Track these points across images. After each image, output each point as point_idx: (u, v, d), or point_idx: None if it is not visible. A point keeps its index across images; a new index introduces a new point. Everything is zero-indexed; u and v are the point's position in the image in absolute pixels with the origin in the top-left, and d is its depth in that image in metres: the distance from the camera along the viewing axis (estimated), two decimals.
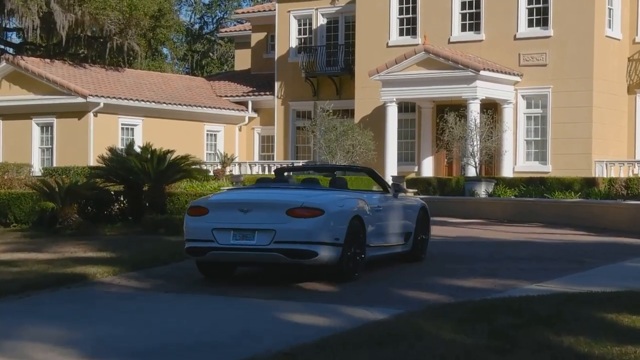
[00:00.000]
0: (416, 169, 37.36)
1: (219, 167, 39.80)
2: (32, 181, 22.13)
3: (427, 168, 36.81)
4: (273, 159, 43.59)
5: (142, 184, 19.41)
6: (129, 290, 11.89)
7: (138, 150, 20.10)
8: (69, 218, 19.07)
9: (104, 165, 19.88)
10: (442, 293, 11.24)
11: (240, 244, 11.98)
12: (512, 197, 29.11)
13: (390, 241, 13.70)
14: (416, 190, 29.62)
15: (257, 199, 12.49)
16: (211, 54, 70.45)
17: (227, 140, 44.28)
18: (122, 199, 20.67)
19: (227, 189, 15.58)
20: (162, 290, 11.86)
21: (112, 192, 20.80)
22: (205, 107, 43.10)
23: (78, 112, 38.67)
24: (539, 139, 35.30)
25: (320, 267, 12.09)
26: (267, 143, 44.90)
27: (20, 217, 21.36)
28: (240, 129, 44.90)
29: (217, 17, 71.88)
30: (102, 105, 38.45)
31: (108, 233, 18.85)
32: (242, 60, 51.43)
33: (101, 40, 45.01)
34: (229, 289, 11.89)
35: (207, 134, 43.77)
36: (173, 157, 19.36)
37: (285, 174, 15.10)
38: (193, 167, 19.64)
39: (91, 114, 38.48)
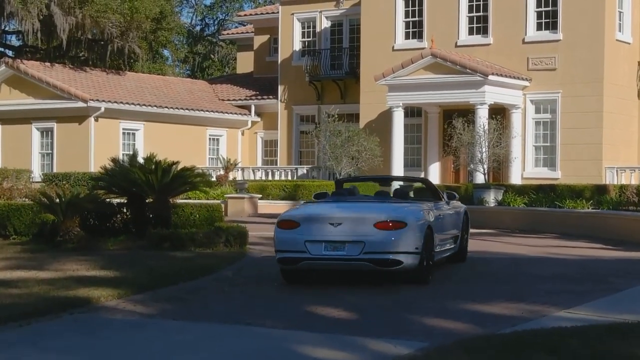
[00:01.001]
0: (422, 175, 36.70)
1: (222, 172, 39.21)
2: (32, 193, 21.49)
3: (434, 174, 36.20)
4: (276, 164, 42.99)
5: (146, 196, 18.77)
6: (135, 317, 11.27)
7: (141, 160, 19.44)
8: (71, 232, 18.43)
9: (106, 176, 19.23)
10: (466, 321, 10.61)
11: (331, 254, 13.22)
12: (523, 205, 28.48)
13: (447, 245, 15.08)
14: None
15: (346, 214, 13.57)
16: (212, 56, 69.80)
17: (229, 144, 43.69)
18: (125, 210, 20.02)
19: (303, 203, 16.17)
20: (170, 317, 11.24)
21: (115, 204, 20.15)
22: (207, 111, 42.51)
23: (79, 117, 38.09)
24: (548, 144, 34.69)
25: (403, 273, 13.45)
26: (270, 148, 44.29)
27: (20, 229, 20.71)
28: (243, 133, 44.31)
29: (219, 19, 71.26)
30: (103, 109, 37.86)
31: (111, 247, 18.22)
32: (244, 62, 50.83)
33: (102, 43, 44.40)
34: (240, 314, 11.28)
35: (210, 139, 43.18)
36: (178, 168, 18.72)
37: (349, 185, 16.56)
38: (199, 179, 18.96)
39: (92, 119, 37.88)
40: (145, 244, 18.09)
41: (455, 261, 15.77)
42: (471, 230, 24.89)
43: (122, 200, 20.23)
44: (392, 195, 15.40)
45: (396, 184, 20.87)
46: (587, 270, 15.14)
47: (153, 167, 18.47)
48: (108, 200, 20.15)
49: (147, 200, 19.38)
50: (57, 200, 18.95)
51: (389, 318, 11.05)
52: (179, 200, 20.35)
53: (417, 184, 19.46)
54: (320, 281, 14.15)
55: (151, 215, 18.98)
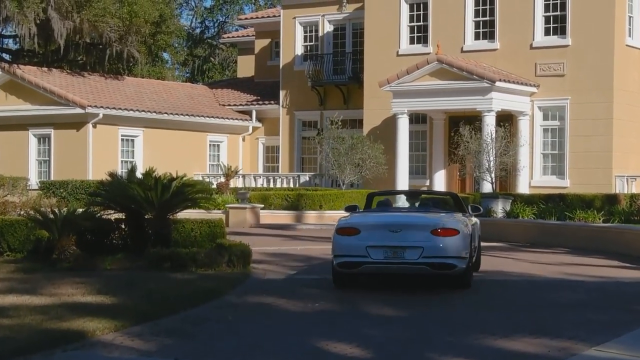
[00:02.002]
0: (427, 183, 36.00)
1: (223, 179, 38.48)
2: (28, 204, 20.72)
3: (439, 182, 35.46)
4: (278, 171, 42.23)
5: (145, 212, 18.01)
6: (133, 356, 10.48)
7: (140, 175, 18.66)
8: (66, 250, 17.67)
9: (104, 192, 18.45)
10: None
11: (392, 259, 14.36)
12: (533, 216, 27.69)
13: (474, 254, 15.88)
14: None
15: (404, 221, 14.93)
16: (212, 59, 69.00)
17: (230, 150, 42.92)
18: (123, 226, 19.25)
19: (350, 215, 16.02)
20: (171, 356, 10.45)
21: (113, 219, 19.38)
22: (207, 116, 41.76)
23: (76, 123, 37.34)
24: (557, 152, 33.95)
25: (454, 277, 14.71)
26: (271, 154, 43.53)
27: (14, 246, 19.88)
28: (243, 139, 43.57)
29: (219, 22, 70.43)
30: (101, 116, 37.11)
31: (108, 267, 17.44)
32: (245, 66, 50.09)
33: (100, 47, 43.63)
34: (248, 354, 10.51)
35: (210, 145, 42.43)
36: (178, 177, 17.94)
37: (381, 198, 17.56)
38: (199, 195, 18.17)
39: (90, 125, 37.13)
40: (145, 263, 17.32)
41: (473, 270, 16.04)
42: (481, 243, 24.25)
43: (120, 216, 19.46)
44: (430, 205, 16.67)
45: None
46: (609, 296, 14.38)
47: (152, 182, 17.67)
48: (106, 215, 19.38)
49: (146, 216, 18.61)
50: (52, 216, 18.18)
51: (406, 355, 10.28)
52: (180, 216, 19.55)
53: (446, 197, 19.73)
54: (332, 305, 13.42)
55: (150, 232, 18.19)
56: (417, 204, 17.58)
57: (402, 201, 23.04)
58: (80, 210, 19.78)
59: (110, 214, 19.30)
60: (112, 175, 18.96)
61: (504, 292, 14.73)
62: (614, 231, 22.04)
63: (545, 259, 20.33)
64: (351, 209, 16.83)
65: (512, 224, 25.68)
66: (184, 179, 36.21)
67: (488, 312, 12.94)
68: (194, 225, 19.43)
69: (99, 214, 18.95)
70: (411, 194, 21.76)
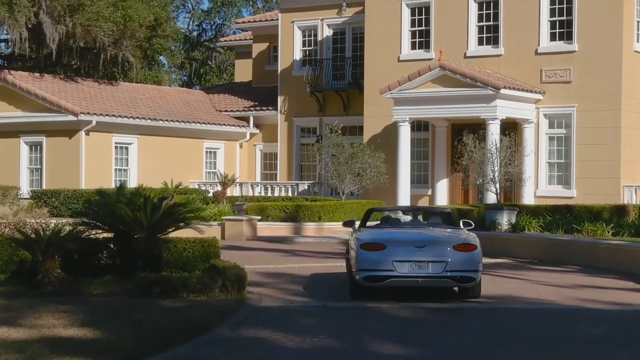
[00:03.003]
0: (430, 192, 35.02)
1: (219, 188, 37.49)
2: (12, 226, 19.74)
3: (442, 192, 34.48)
4: (276, 178, 41.25)
5: (134, 233, 17.00)
6: None
7: (135, 185, 17.66)
8: (50, 273, 16.65)
9: (91, 211, 17.44)
10: None
11: (417, 272, 15.27)
12: (539, 229, 26.81)
13: None
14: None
15: (428, 238, 15.88)
16: (210, 62, 67.97)
17: (227, 157, 41.94)
18: (112, 246, 18.25)
19: (364, 230, 17.00)
20: None
21: (101, 239, 18.37)
22: (204, 123, 40.77)
23: (69, 131, 36.35)
24: (563, 161, 32.97)
25: (469, 289, 15.76)
26: (269, 160, 42.54)
27: None
28: (241, 146, 42.59)
29: (217, 24, 69.40)
30: (94, 123, 36.11)
31: (95, 292, 16.42)
32: (243, 70, 49.13)
33: (95, 51, 42.65)
34: None
35: (207, 152, 41.45)
36: (170, 204, 16.93)
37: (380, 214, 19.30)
38: (191, 215, 17.14)
39: (82, 133, 36.13)
40: (133, 288, 16.30)
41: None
42: (485, 260, 23.24)
43: (109, 235, 18.45)
44: (436, 221, 17.49)
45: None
46: (631, 327, 13.40)
47: (141, 201, 16.67)
48: (94, 234, 18.37)
49: (136, 236, 17.60)
50: (35, 235, 17.18)
51: None
52: (171, 235, 18.54)
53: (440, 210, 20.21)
54: (333, 340, 12.42)
55: (140, 253, 17.18)
56: (422, 220, 18.13)
57: (402, 217, 22.62)
58: (70, 224, 18.84)
59: (98, 233, 18.30)
60: (101, 192, 17.96)
61: (520, 325, 13.69)
62: (627, 249, 21.04)
63: (556, 279, 19.34)
64: (349, 223, 18.12)
65: (518, 239, 24.69)
66: (179, 187, 35.32)
67: (506, 351, 11.91)
68: (187, 244, 18.44)
69: (86, 234, 17.95)
70: (408, 210, 22.64)
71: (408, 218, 21.40)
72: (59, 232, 17.19)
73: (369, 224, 18.20)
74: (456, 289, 16.05)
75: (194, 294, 15.94)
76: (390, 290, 16.02)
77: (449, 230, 16.71)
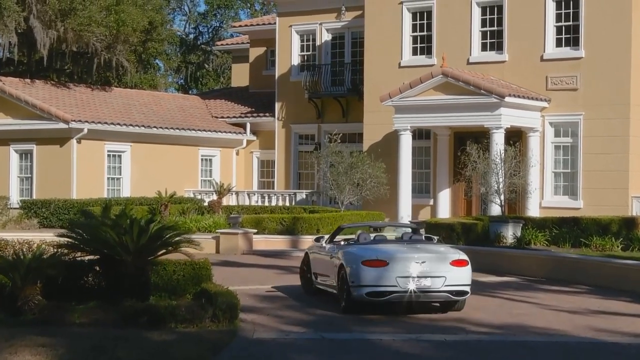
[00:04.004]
0: (432, 202, 34.00)
1: (215, 197, 36.49)
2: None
3: (444, 202, 33.44)
4: (273, 186, 40.23)
5: (120, 258, 15.95)
6: None
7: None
8: (31, 301, 15.62)
9: (74, 234, 16.38)
10: None
11: (419, 287, 15.92)
12: (546, 243, 25.85)
13: None
14: (437, 237, 26.10)
15: (426, 254, 16.36)
16: (207, 66, 66.91)
17: (223, 165, 40.91)
18: (97, 268, 17.20)
19: (360, 247, 17.19)
20: None
21: (87, 260, 17.33)
22: (199, 130, 39.74)
23: (60, 139, 35.32)
24: (569, 171, 31.95)
25: (459, 302, 16.55)
26: (266, 168, 41.50)
27: None
28: (237, 153, 41.57)
29: (213, 27, 68.30)
30: (85, 131, 35.07)
31: (78, 321, 15.37)
32: (240, 74, 48.11)
33: (88, 55, 41.62)
34: None
35: (202, 159, 40.43)
36: (157, 226, 15.86)
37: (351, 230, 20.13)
38: (179, 238, 16.05)
39: (74, 141, 35.11)
40: (118, 317, 15.26)
41: None
42: (491, 279, 22.29)
43: (94, 257, 17.40)
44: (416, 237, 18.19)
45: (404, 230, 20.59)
46: None
47: (128, 224, 15.63)
48: (79, 256, 17.32)
49: (123, 259, 16.54)
50: (15, 258, 16.13)
51: None
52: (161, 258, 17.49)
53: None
54: None
55: (126, 279, 16.13)
56: (405, 236, 18.19)
57: (376, 233, 22.15)
58: (53, 245, 17.81)
59: (83, 255, 17.25)
60: (85, 213, 16.91)
61: None
62: (638, 269, 20.00)
63: (566, 302, 18.30)
64: (320, 239, 18.89)
65: (525, 256, 23.63)
66: (174, 197, 34.28)
67: None
68: (176, 266, 17.38)
69: (69, 256, 16.92)
70: (379, 227, 23.27)
71: (383, 234, 21.25)
72: (40, 257, 16.15)
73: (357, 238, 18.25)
74: (438, 303, 16.65)
75: (183, 324, 14.88)
76: (379, 304, 16.33)
77: (435, 246, 17.51)
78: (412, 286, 15.85)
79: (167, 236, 15.82)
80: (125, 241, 15.60)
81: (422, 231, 22.70)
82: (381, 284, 15.88)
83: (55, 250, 16.80)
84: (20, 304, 15.79)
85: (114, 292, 16.56)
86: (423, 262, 16.02)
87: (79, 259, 17.33)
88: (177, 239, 15.94)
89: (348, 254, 16.70)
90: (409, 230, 18.95)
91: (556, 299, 18.90)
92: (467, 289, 16.35)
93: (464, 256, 16.55)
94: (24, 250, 17.51)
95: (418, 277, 15.88)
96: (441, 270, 16.03)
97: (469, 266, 16.40)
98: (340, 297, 16.72)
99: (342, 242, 18.07)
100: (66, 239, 16.78)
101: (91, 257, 17.58)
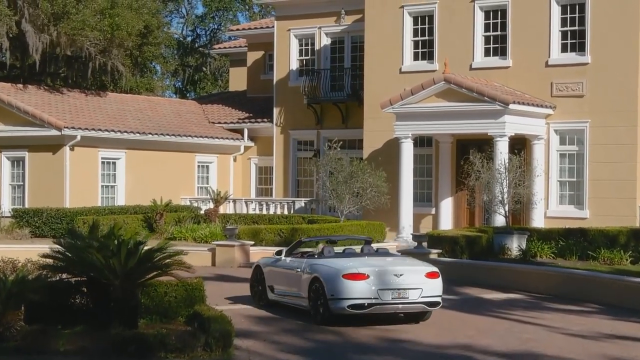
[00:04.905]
0: (433, 211, 33.17)
1: (212, 205, 35.64)
2: None
3: (446, 211, 32.60)
4: (271, 193, 39.37)
5: (107, 281, 15.10)
6: None
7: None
8: (12, 327, 14.79)
9: (59, 255, 15.52)
10: None
11: (398, 299, 16.65)
12: (552, 256, 25.09)
13: None
14: (440, 250, 25.34)
15: (403, 267, 17.12)
16: (204, 69, 66.01)
17: (220, 172, 40.05)
18: (85, 289, 16.35)
19: (335, 260, 17.63)
20: None
21: (74, 281, 16.48)
22: (196, 136, 38.88)
23: (52, 146, 34.47)
24: (575, 180, 31.11)
25: (428, 313, 17.30)
26: (264, 175, 40.64)
27: None
28: (235, 160, 40.71)
29: (211, 29, 67.38)
30: (79, 137, 34.21)
31: (62, 349, 14.53)
32: (238, 78, 47.27)
33: (82, 60, 40.74)
34: None
35: (199, 166, 39.56)
36: (146, 248, 15.00)
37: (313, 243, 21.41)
38: (169, 260, 15.18)
39: (67, 148, 34.25)
40: (106, 344, 14.41)
41: None
42: (497, 296, 21.47)
43: (81, 278, 16.55)
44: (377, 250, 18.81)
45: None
46: None
47: (115, 246, 14.78)
48: (65, 277, 16.46)
49: (110, 282, 15.69)
50: None
51: None
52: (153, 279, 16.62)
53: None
54: None
55: (114, 304, 15.28)
56: (365, 249, 18.57)
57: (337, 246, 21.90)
58: (38, 266, 16.99)
59: (68, 278, 16.40)
60: (72, 232, 16.06)
61: None
62: None
63: (577, 324, 17.47)
64: (279, 252, 19.30)
65: (532, 271, 22.75)
66: (169, 205, 33.42)
67: None
68: (168, 288, 16.53)
69: (54, 278, 16.08)
70: (338, 239, 23.02)
71: (342, 247, 21.05)
72: (23, 280, 15.31)
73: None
74: (402, 314, 17.32)
75: (174, 353, 14.04)
76: (353, 316, 16.79)
77: (408, 259, 18.47)
78: (392, 298, 16.54)
79: (157, 258, 14.97)
80: (113, 264, 14.76)
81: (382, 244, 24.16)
82: (363, 296, 16.45)
83: (40, 272, 15.97)
84: (2, 330, 14.96)
85: (102, 314, 15.75)
86: (401, 275, 16.73)
87: (66, 279, 16.54)
88: (167, 261, 15.08)
89: (325, 268, 17.12)
90: (366, 241, 19.39)
91: (565, 320, 18.08)
92: (440, 299, 17.13)
93: (435, 268, 17.35)
94: (7, 271, 16.64)
95: (397, 289, 16.59)
96: (418, 282, 16.77)
97: (440, 278, 17.16)
98: (314, 310, 17.14)
99: (307, 256, 18.52)
100: (51, 260, 15.96)
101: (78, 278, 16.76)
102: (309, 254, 18.92)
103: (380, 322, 16.92)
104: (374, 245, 19.67)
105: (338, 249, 19.30)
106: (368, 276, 16.55)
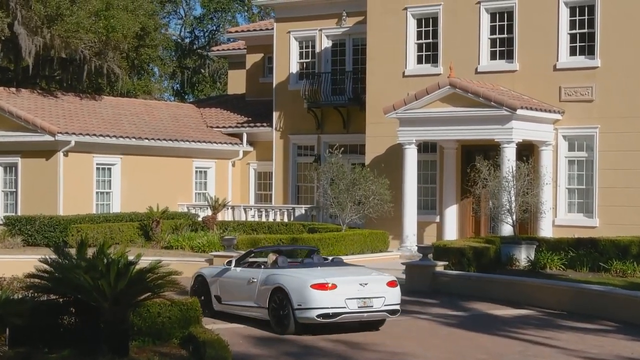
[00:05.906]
0: (438, 219, 32.22)
1: (209, 212, 34.70)
2: None
3: (451, 219, 31.64)
4: (271, 199, 38.43)
5: (96, 304, 14.14)
6: None
7: (98, 248, 14.77)
8: None
9: (45, 275, 14.57)
10: None
11: (364, 308, 17.20)
12: (562, 267, 24.26)
13: None
14: (447, 262, 24.38)
15: (368, 277, 17.67)
16: (203, 71, 65.05)
17: (218, 177, 39.10)
18: (73, 310, 15.41)
19: (301, 270, 17.99)
20: None
21: (62, 301, 15.53)
22: (193, 141, 37.94)
23: (46, 152, 33.54)
24: (584, 187, 30.15)
25: (383, 321, 17.90)
26: (264, 180, 39.69)
27: None
28: (233, 165, 39.76)
29: (210, 31, 66.40)
30: (73, 143, 33.26)
31: None
32: (236, 81, 46.32)
33: (77, 62, 39.81)
34: None
35: (196, 171, 38.63)
36: (137, 268, 14.04)
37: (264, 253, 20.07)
38: (161, 282, 14.22)
39: (60, 154, 33.32)
40: None
41: None
42: (508, 312, 20.52)
43: (70, 298, 15.59)
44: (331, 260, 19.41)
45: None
46: None
47: (104, 267, 13.82)
48: (54, 297, 15.51)
49: (99, 304, 14.73)
50: None
51: None
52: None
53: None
54: None
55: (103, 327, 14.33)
56: (316, 258, 19.07)
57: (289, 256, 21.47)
58: (23, 286, 16.05)
59: (56, 298, 15.45)
60: (59, 249, 15.08)
61: None
62: None
63: (594, 346, 16.52)
64: (230, 263, 19.43)
65: (545, 286, 21.75)
66: (166, 212, 32.46)
67: None
68: (162, 308, 15.60)
69: (40, 298, 15.13)
70: (288, 249, 22.66)
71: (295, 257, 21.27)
72: (7, 302, 14.35)
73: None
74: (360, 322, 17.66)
75: None
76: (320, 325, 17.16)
77: (365, 269, 19.07)
78: (358, 307, 17.07)
79: (148, 279, 14.00)
80: (102, 286, 13.80)
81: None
82: (332, 306, 16.88)
83: (25, 293, 15.02)
84: None
85: (92, 338, 14.82)
86: (366, 284, 17.29)
87: (54, 298, 15.60)
88: (159, 282, 14.12)
89: (288, 278, 17.42)
90: (315, 251, 19.79)
91: (582, 340, 17.13)
92: (399, 307, 17.74)
93: (394, 277, 18.00)
94: None
95: (363, 297, 17.13)
96: (381, 291, 17.36)
97: (399, 286, 17.83)
98: (275, 321, 17.44)
99: (259, 266, 18.67)
100: (37, 280, 15.02)
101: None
102: (258, 263, 18.98)
103: (345, 331, 17.41)
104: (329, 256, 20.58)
105: (292, 260, 19.52)
106: (337, 286, 16.97)
